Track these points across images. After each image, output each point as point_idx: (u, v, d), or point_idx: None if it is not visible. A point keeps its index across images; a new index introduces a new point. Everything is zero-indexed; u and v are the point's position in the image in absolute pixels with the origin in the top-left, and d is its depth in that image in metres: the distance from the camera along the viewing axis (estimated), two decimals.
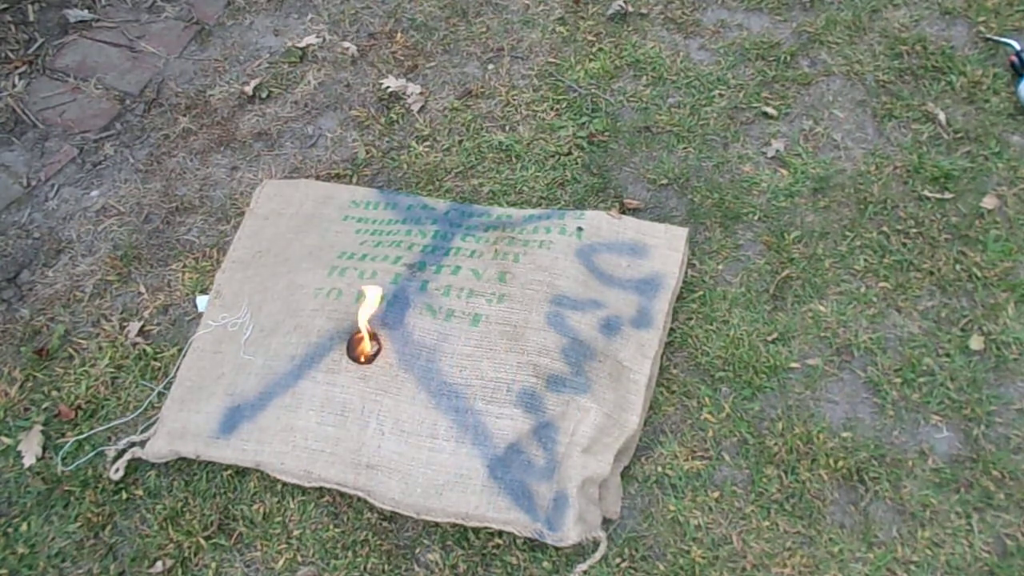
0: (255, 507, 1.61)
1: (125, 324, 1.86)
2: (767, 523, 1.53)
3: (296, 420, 1.59)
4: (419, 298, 1.66)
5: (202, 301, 1.85)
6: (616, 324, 1.67)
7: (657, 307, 1.72)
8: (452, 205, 1.92)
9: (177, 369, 1.75)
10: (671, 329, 1.75)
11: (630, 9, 2.34)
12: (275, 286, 1.78)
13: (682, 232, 1.82)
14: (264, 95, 2.27)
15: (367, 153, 2.12)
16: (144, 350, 1.81)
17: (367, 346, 1.60)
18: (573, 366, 1.60)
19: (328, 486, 1.56)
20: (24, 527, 1.62)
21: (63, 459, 1.68)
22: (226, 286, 1.84)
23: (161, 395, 1.74)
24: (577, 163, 2.05)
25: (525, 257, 1.73)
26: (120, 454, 1.66)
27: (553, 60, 2.26)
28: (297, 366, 1.63)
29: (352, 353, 1.61)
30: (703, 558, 1.50)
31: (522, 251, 1.75)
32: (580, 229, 1.79)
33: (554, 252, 1.74)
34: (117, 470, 1.63)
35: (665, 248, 1.80)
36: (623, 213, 1.90)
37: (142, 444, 1.66)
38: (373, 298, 1.59)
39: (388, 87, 2.23)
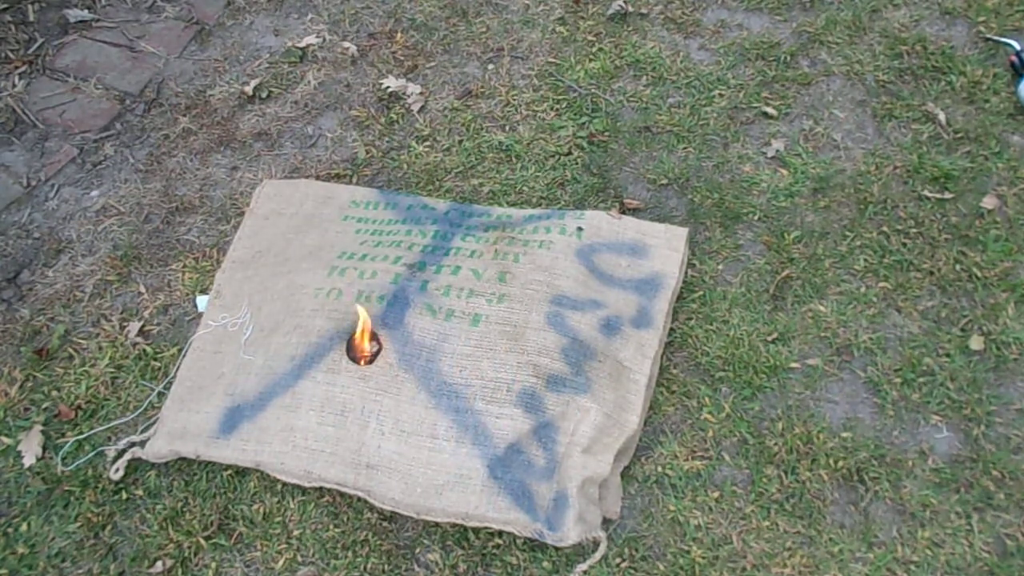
0: (255, 507, 1.61)
1: (125, 324, 1.86)
2: (767, 523, 1.53)
3: (296, 420, 1.59)
4: (419, 298, 1.66)
5: (202, 301, 1.85)
6: (616, 324, 1.67)
7: (657, 307, 1.72)
8: (452, 205, 1.92)
9: (177, 369, 1.75)
10: (671, 329, 1.75)
11: (630, 9, 2.34)
12: (275, 286, 1.78)
13: (682, 232, 1.82)
14: (264, 95, 2.27)
15: (367, 153, 2.12)
16: (144, 350, 1.81)
17: (366, 348, 1.61)
18: (573, 366, 1.60)
19: (328, 486, 1.56)
20: (24, 527, 1.62)
21: (63, 459, 1.68)
22: (226, 286, 1.84)
23: (161, 395, 1.74)
24: (577, 163, 2.05)
25: (525, 257, 1.73)
26: (120, 454, 1.66)
27: (553, 60, 2.26)
28: (297, 366, 1.63)
29: (351, 354, 1.61)
30: (703, 558, 1.50)
31: (522, 251, 1.75)
32: (580, 229, 1.79)
33: (554, 252, 1.74)
34: (117, 470, 1.63)
35: (665, 248, 1.80)
36: (623, 213, 1.90)
37: (142, 444, 1.66)
38: (363, 319, 1.60)
39: (388, 87, 2.23)
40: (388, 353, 1.61)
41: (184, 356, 1.76)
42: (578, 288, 1.69)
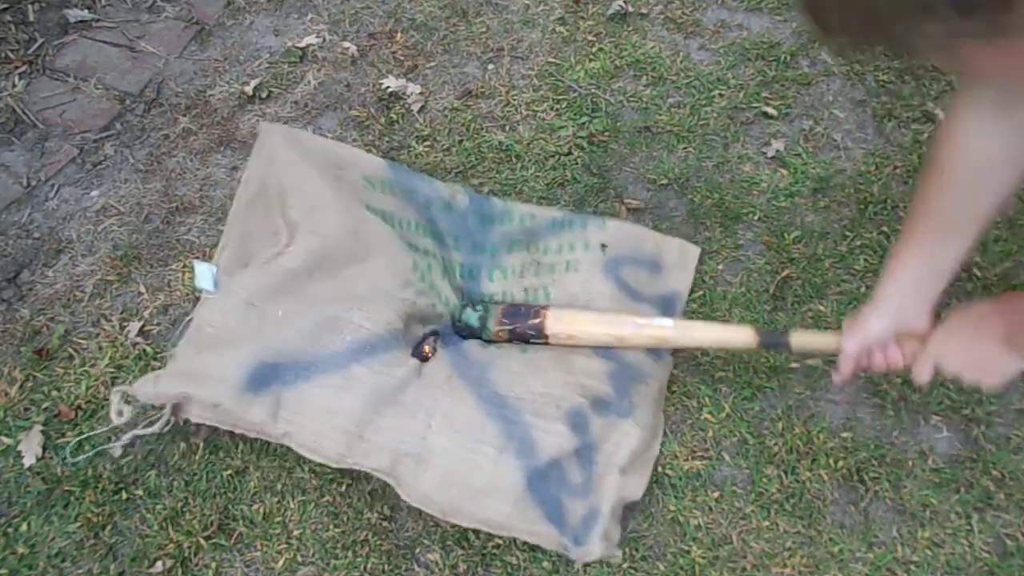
0: (255, 507, 1.61)
1: (125, 324, 1.86)
2: (767, 523, 1.53)
3: (343, 403, 1.53)
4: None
5: (203, 272, 1.73)
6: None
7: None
8: (471, 200, 1.88)
9: (189, 319, 1.71)
10: None
11: (630, 9, 2.34)
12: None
13: (695, 251, 1.83)
14: (264, 95, 2.27)
15: (367, 153, 2.12)
16: (144, 350, 1.81)
17: (427, 349, 1.66)
18: (619, 390, 1.60)
19: (363, 469, 1.51)
20: (24, 527, 1.62)
21: (64, 458, 1.67)
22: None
23: None
24: (577, 163, 2.05)
25: (554, 287, 1.74)
26: (124, 449, 1.65)
27: (553, 60, 2.26)
28: (354, 351, 1.59)
29: (415, 352, 1.65)
30: (703, 558, 1.50)
31: (550, 281, 1.75)
32: (604, 246, 1.78)
33: (582, 274, 1.74)
34: (120, 413, 1.58)
35: (678, 269, 1.81)
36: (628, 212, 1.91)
37: (145, 438, 1.64)
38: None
39: (388, 87, 2.23)
40: (443, 359, 1.64)
41: (200, 306, 1.71)
42: (611, 308, 1.69)
